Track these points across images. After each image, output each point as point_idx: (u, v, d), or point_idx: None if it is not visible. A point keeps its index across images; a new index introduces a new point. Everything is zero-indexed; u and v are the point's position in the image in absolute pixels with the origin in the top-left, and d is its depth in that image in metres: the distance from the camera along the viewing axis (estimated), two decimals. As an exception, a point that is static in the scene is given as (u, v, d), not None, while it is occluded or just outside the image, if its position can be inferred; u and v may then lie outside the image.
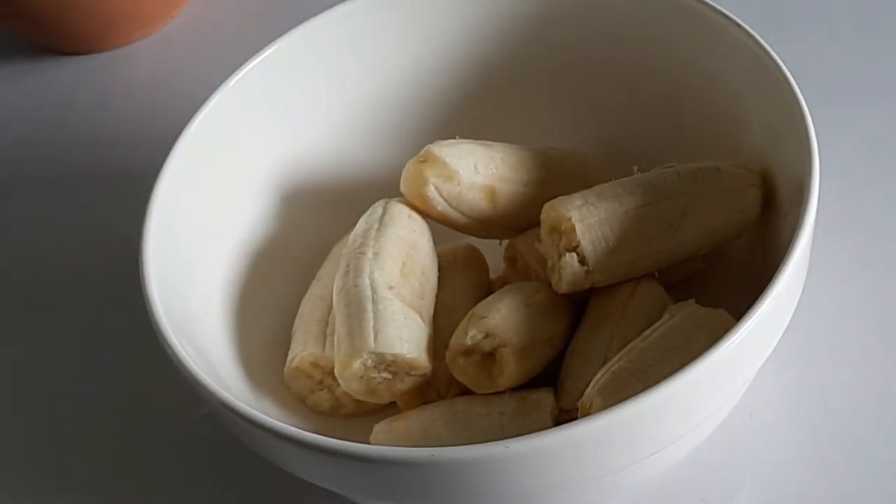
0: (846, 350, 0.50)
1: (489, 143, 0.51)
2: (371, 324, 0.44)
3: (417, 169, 0.49)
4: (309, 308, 0.51)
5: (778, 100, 0.46)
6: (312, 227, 0.54)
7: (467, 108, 0.57)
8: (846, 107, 0.59)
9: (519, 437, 0.36)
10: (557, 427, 0.36)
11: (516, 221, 0.51)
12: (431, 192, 0.49)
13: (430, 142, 0.49)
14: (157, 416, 0.53)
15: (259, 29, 0.71)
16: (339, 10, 0.54)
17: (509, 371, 0.44)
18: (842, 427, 0.47)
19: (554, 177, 0.51)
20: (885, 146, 0.58)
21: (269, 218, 0.54)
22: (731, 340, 0.37)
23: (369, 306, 0.45)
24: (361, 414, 0.49)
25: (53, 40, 0.73)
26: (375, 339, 0.44)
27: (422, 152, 0.49)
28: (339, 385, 0.46)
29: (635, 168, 0.48)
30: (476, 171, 0.49)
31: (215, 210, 0.51)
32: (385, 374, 0.45)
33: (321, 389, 0.49)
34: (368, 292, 0.45)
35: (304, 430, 0.38)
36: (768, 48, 0.47)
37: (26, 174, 0.67)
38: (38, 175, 0.66)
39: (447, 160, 0.48)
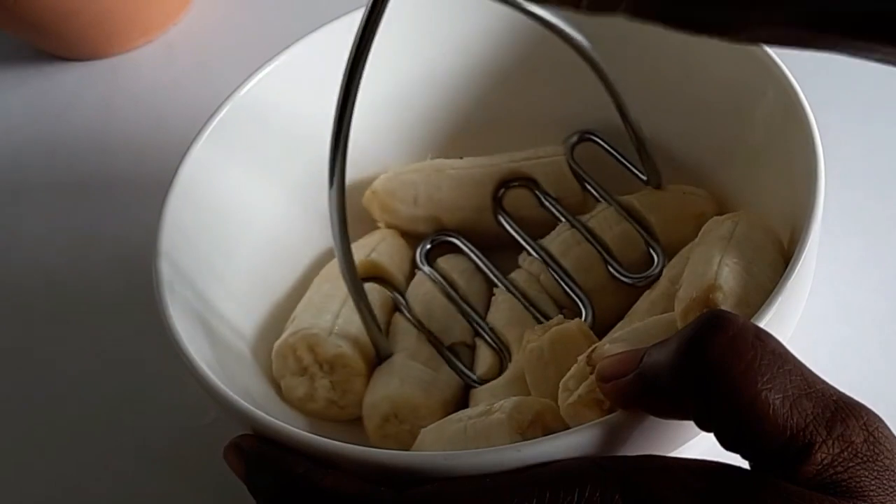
0: (846, 353, 0.50)
1: (448, 167, 0.54)
2: None
3: (368, 199, 0.55)
4: (318, 299, 0.51)
5: (783, 105, 0.46)
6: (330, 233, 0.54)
7: (481, 109, 0.58)
8: (846, 108, 0.59)
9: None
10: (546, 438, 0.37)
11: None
12: (384, 218, 0.54)
13: (443, 144, 0.54)
14: (161, 420, 0.53)
15: (262, 34, 0.72)
16: (355, 16, 0.54)
17: None
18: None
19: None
20: (886, 148, 0.58)
21: (285, 223, 0.54)
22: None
23: None
24: (328, 417, 0.49)
25: (56, 46, 0.73)
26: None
27: (373, 184, 0.54)
28: (321, 377, 0.47)
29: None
30: (416, 203, 0.54)
31: (230, 215, 0.51)
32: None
33: (302, 375, 0.49)
34: None
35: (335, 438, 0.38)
36: (773, 53, 0.47)
37: (30, 180, 0.67)
38: (42, 181, 0.66)
39: (384, 198, 0.54)
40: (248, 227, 0.52)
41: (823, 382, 0.34)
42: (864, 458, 0.33)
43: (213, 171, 0.50)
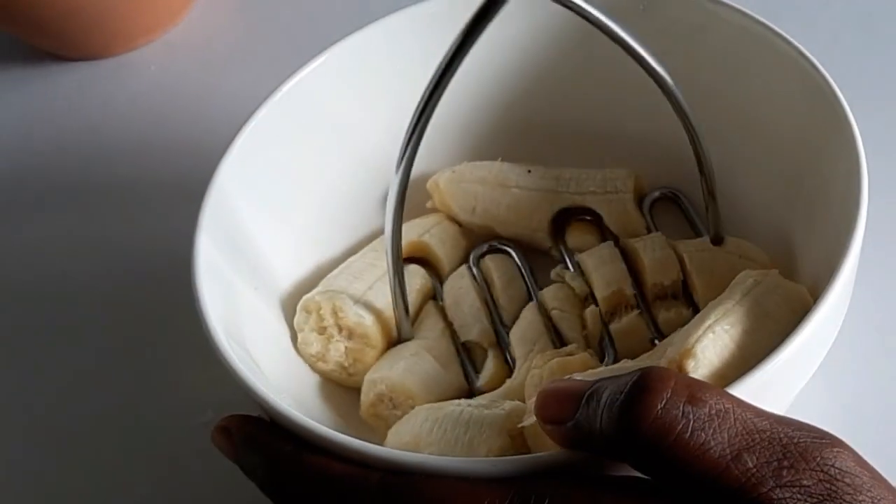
0: (846, 354, 0.50)
1: (513, 183, 0.54)
2: None
3: (432, 187, 0.54)
4: (358, 267, 0.52)
5: (831, 122, 0.46)
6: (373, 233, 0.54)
7: (552, 115, 0.57)
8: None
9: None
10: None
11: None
12: (442, 210, 0.54)
13: (510, 145, 0.55)
14: (158, 419, 0.53)
15: (262, 34, 0.72)
16: (412, 11, 0.54)
17: None
18: (842, 431, 0.47)
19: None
20: (886, 148, 0.57)
21: (325, 225, 0.54)
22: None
23: None
24: (335, 380, 0.50)
25: (57, 46, 0.73)
26: None
27: (435, 176, 0.54)
28: (337, 341, 0.48)
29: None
30: (473, 213, 0.54)
31: (267, 218, 0.51)
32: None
33: (320, 334, 0.49)
34: None
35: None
36: (826, 74, 0.48)
37: (30, 181, 0.67)
38: (42, 182, 0.67)
39: (445, 198, 0.54)
40: (289, 230, 0.53)
41: (775, 425, 0.33)
42: (820, 499, 0.32)
43: (249, 175, 0.50)
